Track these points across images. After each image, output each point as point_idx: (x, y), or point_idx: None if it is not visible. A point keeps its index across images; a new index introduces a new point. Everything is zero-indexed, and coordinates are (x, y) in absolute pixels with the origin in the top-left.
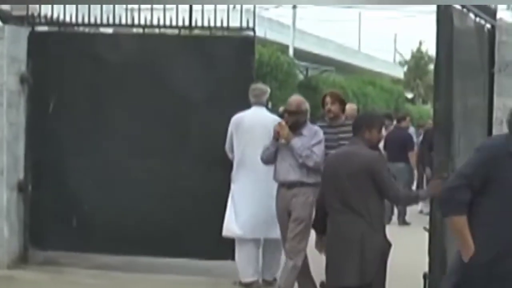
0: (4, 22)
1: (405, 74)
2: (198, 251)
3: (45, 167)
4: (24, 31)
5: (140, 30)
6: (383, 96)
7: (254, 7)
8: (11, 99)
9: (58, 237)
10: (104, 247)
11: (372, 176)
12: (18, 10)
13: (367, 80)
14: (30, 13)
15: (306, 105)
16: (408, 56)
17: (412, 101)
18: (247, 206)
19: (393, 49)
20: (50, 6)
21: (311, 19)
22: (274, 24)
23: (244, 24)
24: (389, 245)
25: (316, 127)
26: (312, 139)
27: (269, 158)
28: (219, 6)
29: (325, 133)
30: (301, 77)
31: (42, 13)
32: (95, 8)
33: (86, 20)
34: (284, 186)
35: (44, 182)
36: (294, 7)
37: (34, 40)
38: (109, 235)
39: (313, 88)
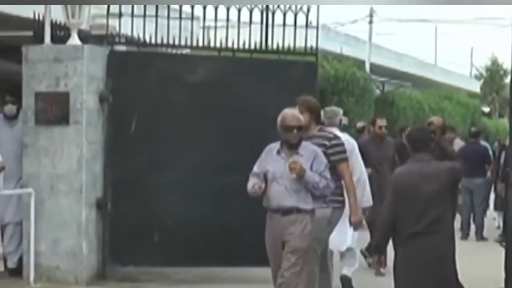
0: (83, 41)
1: (481, 88)
2: None
3: (124, 184)
4: (103, 51)
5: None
6: (460, 110)
7: (317, 35)
8: (90, 117)
9: (137, 252)
10: (183, 261)
11: (452, 186)
12: (97, 30)
13: (444, 94)
14: (109, 33)
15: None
16: (484, 70)
17: (488, 115)
18: None
19: (469, 63)
20: (129, 25)
21: (387, 34)
22: (351, 39)
23: (309, 47)
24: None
25: (313, 145)
26: (311, 160)
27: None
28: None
29: None
30: (377, 92)
31: (121, 33)
32: (174, 27)
33: (164, 41)
34: (278, 212)
35: (123, 199)
36: (371, 22)
37: (113, 59)
38: (189, 248)
39: (389, 103)
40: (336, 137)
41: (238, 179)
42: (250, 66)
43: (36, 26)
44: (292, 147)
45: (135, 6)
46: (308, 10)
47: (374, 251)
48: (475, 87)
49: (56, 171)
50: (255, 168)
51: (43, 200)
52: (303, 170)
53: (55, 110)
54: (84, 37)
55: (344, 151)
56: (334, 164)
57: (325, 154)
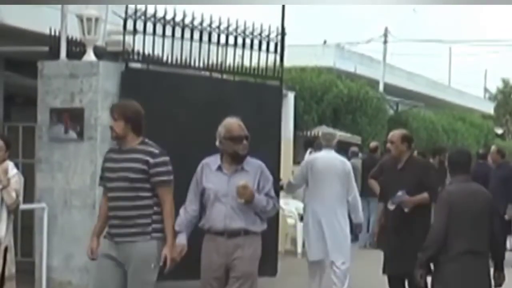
0: (99, 58)
1: (495, 109)
2: None
3: None
4: (118, 67)
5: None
6: (473, 132)
7: (282, 63)
8: (104, 133)
9: None
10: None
11: (492, 214)
12: (113, 46)
13: (457, 115)
14: (124, 49)
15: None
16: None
17: (502, 136)
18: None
19: (483, 84)
20: (143, 43)
21: (401, 54)
22: (365, 59)
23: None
24: None
25: (256, 160)
26: (258, 177)
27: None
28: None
29: (110, 159)
30: (391, 112)
31: (137, 50)
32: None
33: (179, 60)
34: (223, 235)
35: None
36: (385, 42)
37: (128, 76)
38: (195, 262)
39: (403, 123)
40: (162, 154)
41: None
42: (226, 87)
43: (52, 41)
44: (236, 161)
45: (151, 24)
46: (269, 36)
47: (421, 268)
48: (489, 108)
49: (70, 187)
50: (191, 193)
51: (56, 215)
52: (252, 196)
53: (70, 125)
54: (100, 53)
55: (170, 173)
56: (154, 186)
57: (146, 172)
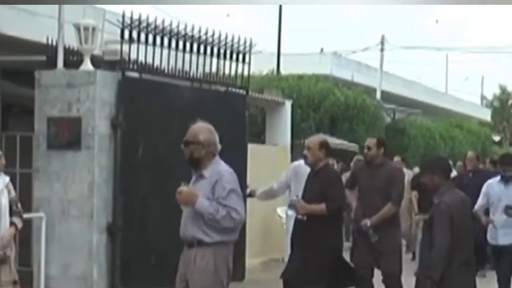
0: (96, 67)
1: (492, 116)
2: None
3: (135, 209)
4: (114, 76)
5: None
6: (470, 138)
7: (249, 72)
8: (102, 142)
9: (147, 277)
10: None
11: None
12: (110, 55)
13: (454, 122)
14: (121, 58)
15: (208, 135)
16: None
17: (499, 143)
18: None
19: (480, 91)
20: (142, 52)
21: (398, 62)
22: (362, 67)
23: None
24: None
25: (225, 167)
26: (213, 184)
27: None
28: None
29: None
30: (388, 119)
31: (134, 59)
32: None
33: (176, 71)
34: (185, 243)
35: (134, 224)
36: (382, 49)
37: (125, 85)
38: None
39: (400, 131)
40: None
41: None
42: (200, 95)
43: (49, 51)
44: (195, 167)
45: (146, 33)
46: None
47: (433, 283)
48: (486, 115)
49: (68, 196)
50: None
51: (54, 224)
52: (189, 200)
53: (67, 135)
54: (97, 62)
55: None
56: None
57: None
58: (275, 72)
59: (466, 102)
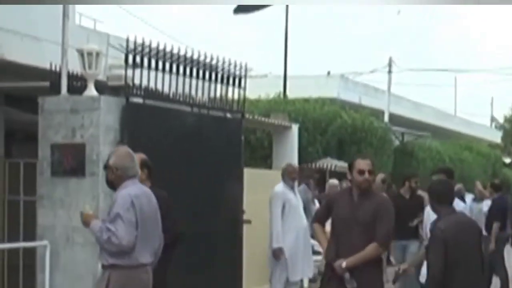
0: (100, 92)
1: (502, 138)
2: None
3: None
4: (119, 102)
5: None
6: (480, 161)
7: (244, 97)
8: None
9: None
10: None
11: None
12: (114, 81)
13: (464, 145)
14: (126, 84)
15: (116, 160)
16: (505, 120)
17: (510, 166)
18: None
19: (490, 113)
20: (146, 77)
21: (406, 84)
22: (370, 90)
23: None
24: None
25: (124, 192)
26: (111, 207)
27: None
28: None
29: None
30: (396, 142)
31: (138, 84)
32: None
33: (181, 97)
34: None
35: None
36: (389, 72)
37: (129, 111)
38: None
39: (409, 153)
40: None
41: None
42: (202, 121)
43: (53, 76)
44: (113, 189)
45: (149, 58)
46: (241, 71)
47: None
48: (496, 137)
49: (72, 223)
50: None
51: (59, 252)
52: (85, 221)
53: (71, 161)
54: (101, 87)
55: None
56: None
57: None
58: (281, 95)
59: (475, 124)
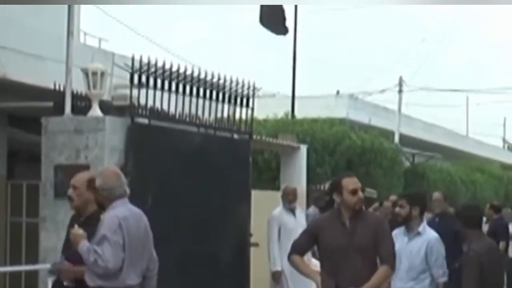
0: (105, 112)
1: None
2: None
3: None
4: (124, 122)
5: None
6: (492, 183)
7: (252, 117)
8: None
9: None
10: None
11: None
12: (119, 101)
13: (476, 166)
14: (131, 104)
15: (102, 181)
16: None
17: None
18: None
19: (502, 134)
20: (152, 97)
21: (417, 104)
22: (380, 110)
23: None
24: None
25: (112, 213)
26: (98, 228)
27: None
28: None
29: None
30: (407, 164)
31: (144, 104)
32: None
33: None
34: None
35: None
36: (400, 91)
37: (135, 131)
38: None
39: (420, 175)
40: None
41: None
42: (211, 141)
43: (56, 96)
44: (103, 210)
45: (155, 77)
46: (249, 91)
47: None
48: (509, 158)
49: None
50: None
51: None
52: (74, 241)
53: None
54: (106, 108)
55: None
56: None
57: None
58: (289, 115)
59: (487, 145)
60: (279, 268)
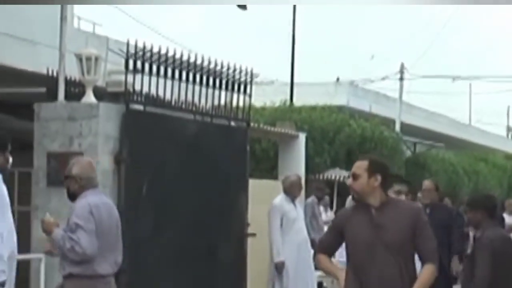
0: (99, 99)
1: None
2: None
3: (139, 248)
4: (118, 109)
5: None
6: (496, 173)
7: (250, 104)
8: (105, 179)
9: None
10: None
11: None
12: (113, 87)
13: (479, 156)
14: (126, 90)
15: (80, 169)
16: None
17: None
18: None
19: (506, 123)
20: (147, 83)
21: (418, 92)
22: (381, 98)
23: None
24: None
25: (83, 201)
26: (70, 217)
27: None
28: None
29: None
30: (408, 153)
31: (139, 90)
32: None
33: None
34: None
35: (138, 263)
36: (401, 79)
37: (130, 118)
38: None
39: (421, 165)
40: None
41: None
42: (207, 128)
43: (49, 82)
44: (73, 200)
45: (151, 63)
46: (247, 78)
47: None
48: None
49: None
50: None
51: (54, 265)
52: (47, 229)
53: None
54: (100, 94)
55: None
56: None
57: None
58: (287, 103)
59: (491, 135)
60: (282, 258)
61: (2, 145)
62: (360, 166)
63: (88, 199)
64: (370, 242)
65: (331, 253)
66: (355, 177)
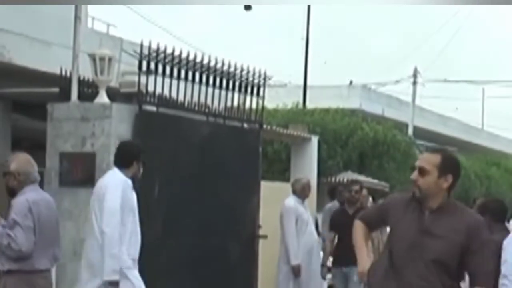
0: (112, 99)
1: None
2: None
3: (150, 248)
4: (131, 110)
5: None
6: (508, 178)
7: (263, 106)
8: None
9: None
10: None
11: None
12: (127, 87)
13: (491, 160)
14: (139, 91)
15: (18, 165)
16: None
17: None
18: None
19: None
20: (160, 84)
21: (431, 96)
22: (393, 101)
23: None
24: None
25: (22, 198)
26: (10, 213)
27: None
28: None
29: None
30: None
31: (152, 91)
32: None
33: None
34: None
35: (149, 263)
36: (414, 83)
37: (142, 119)
38: None
39: None
40: None
41: None
42: (218, 130)
43: (63, 82)
44: (12, 196)
45: (164, 64)
46: (259, 80)
47: None
48: None
49: (80, 236)
50: None
51: (65, 266)
52: None
53: (80, 171)
54: (113, 95)
55: None
56: None
57: None
58: (300, 105)
59: (504, 139)
60: (299, 261)
61: (136, 155)
62: (431, 160)
63: (27, 195)
64: (412, 246)
65: (370, 227)
66: (422, 172)
